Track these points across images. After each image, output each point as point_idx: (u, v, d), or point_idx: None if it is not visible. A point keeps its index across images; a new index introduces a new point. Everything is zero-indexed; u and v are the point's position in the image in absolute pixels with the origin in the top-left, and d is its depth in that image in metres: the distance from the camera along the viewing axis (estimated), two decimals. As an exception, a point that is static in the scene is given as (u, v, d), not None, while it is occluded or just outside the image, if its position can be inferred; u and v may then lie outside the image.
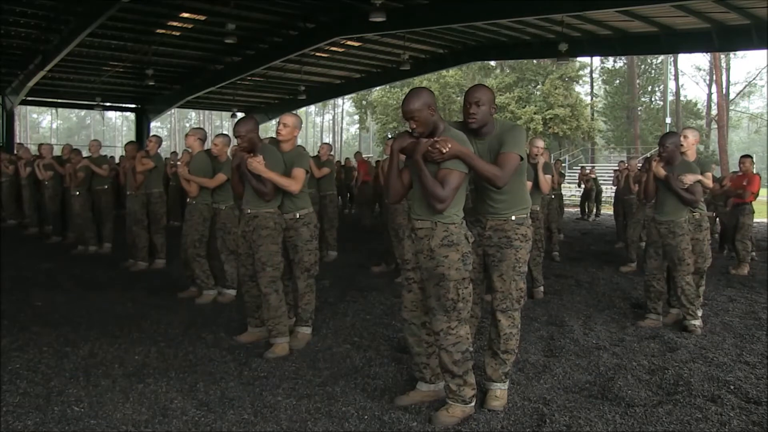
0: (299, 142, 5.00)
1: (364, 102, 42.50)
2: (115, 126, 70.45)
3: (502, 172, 3.32)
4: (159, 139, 8.10)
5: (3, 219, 11.70)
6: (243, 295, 4.87)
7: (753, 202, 8.77)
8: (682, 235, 5.20)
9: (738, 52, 38.66)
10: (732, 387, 3.85)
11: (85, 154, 9.59)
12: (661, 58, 37.53)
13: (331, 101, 51.72)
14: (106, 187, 9.11)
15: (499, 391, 3.56)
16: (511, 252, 3.51)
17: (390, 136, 28.22)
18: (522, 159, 3.42)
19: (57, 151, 11.14)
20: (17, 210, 11.67)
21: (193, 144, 6.18)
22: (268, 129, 33.61)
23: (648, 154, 27.13)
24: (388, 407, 3.49)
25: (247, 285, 4.71)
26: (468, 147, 3.27)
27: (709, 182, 5.58)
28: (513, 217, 3.53)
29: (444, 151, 3.14)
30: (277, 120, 4.85)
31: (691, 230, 5.40)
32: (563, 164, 25.76)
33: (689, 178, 5.10)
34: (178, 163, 8.01)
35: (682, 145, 5.29)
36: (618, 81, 42.15)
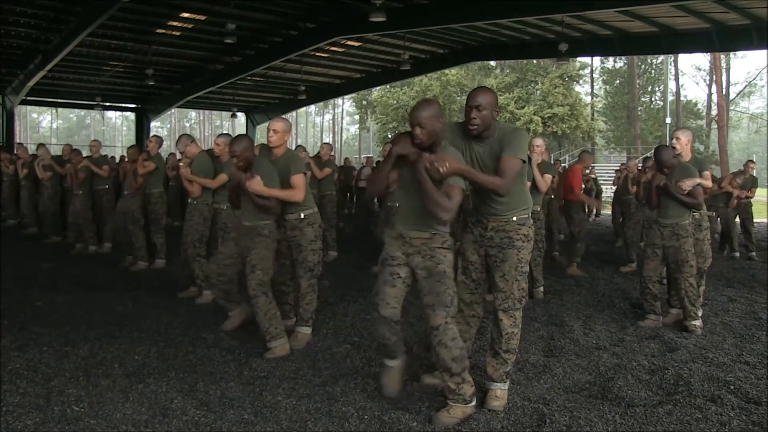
0: (300, 142, 5.02)
1: (364, 102, 42.38)
2: (115, 126, 70.43)
3: (503, 180, 3.34)
4: (159, 140, 8.11)
5: (3, 219, 11.70)
6: (211, 290, 4.90)
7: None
8: (686, 237, 5.19)
9: (738, 52, 38.70)
10: (732, 387, 3.86)
11: (85, 154, 9.60)
12: (661, 58, 37.50)
13: (331, 101, 51.68)
14: (107, 187, 9.14)
15: (500, 391, 3.57)
16: (513, 252, 3.52)
17: (390, 137, 28.21)
18: (524, 163, 3.44)
19: (56, 151, 11.14)
20: (17, 210, 11.68)
21: (190, 150, 6.26)
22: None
23: (648, 154, 27.11)
24: (388, 407, 3.49)
25: (215, 280, 4.66)
26: (462, 163, 3.31)
27: (708, 182, 5.56)
28: (514, 218, 3.54)
29: (442, 170, 3.17)
30: (267, 126, 4.87)
31: (692, 230, 5.40)
32: (563, 164, 25.77)
33: (687, 184, 5.08)
34: (180, 164, 8.02)
35: (675, 148, 5.27)
36: (618, 81, 42.12)
